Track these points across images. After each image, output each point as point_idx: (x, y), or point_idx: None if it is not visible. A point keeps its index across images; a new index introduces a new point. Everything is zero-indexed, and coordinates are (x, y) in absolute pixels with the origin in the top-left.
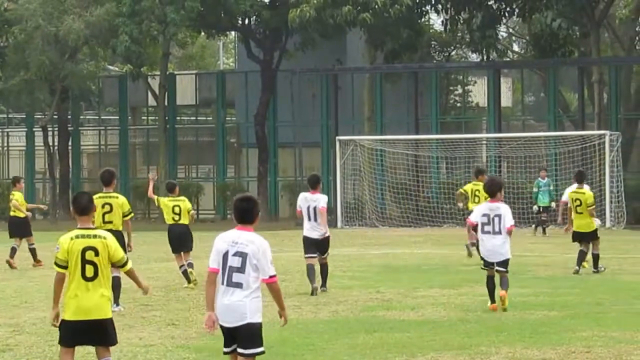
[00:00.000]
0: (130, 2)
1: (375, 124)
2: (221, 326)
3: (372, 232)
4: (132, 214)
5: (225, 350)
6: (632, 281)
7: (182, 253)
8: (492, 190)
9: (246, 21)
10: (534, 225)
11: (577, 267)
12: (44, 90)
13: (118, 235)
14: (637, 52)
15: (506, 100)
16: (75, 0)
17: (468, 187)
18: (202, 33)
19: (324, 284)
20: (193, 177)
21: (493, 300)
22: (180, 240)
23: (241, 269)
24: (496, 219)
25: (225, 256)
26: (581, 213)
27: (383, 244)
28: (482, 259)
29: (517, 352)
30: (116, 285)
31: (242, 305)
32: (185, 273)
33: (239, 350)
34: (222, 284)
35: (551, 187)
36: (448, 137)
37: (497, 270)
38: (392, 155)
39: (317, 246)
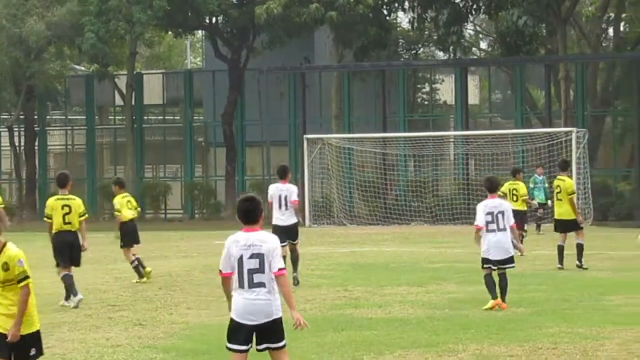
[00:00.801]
0: (97, 1)
1: (343, 122)
2: (238, 324)
3: (340, 230)
4: (87, 215)
5: (236, 347)
6: (599, 277)
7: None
8: (494, 187)
9: (213, 20)
10: (535, 224)
11: (559, 265)
12: (10, 90)
13: (76, 236)
14: (604, 49)
15: (473, 97)
16: (37, 1)
17: (505, 187)
18: (170, 32)
19: (295, 270)
20: (161, 176)
21: (495, 296)
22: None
23: (260, 269)
24: (500, 216)
25: (240, 260)
26: (561, 200)
27: (351, 242)
28: (483, 259)
29: (484, 349)
30: (69, 282)
31: (269, 303)
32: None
33: (270, 345)
34: (242, 287)
35: (546, 185)
36: (416, 135)
37: (499, 269)
38: (360, 153)
39: (288, 234)
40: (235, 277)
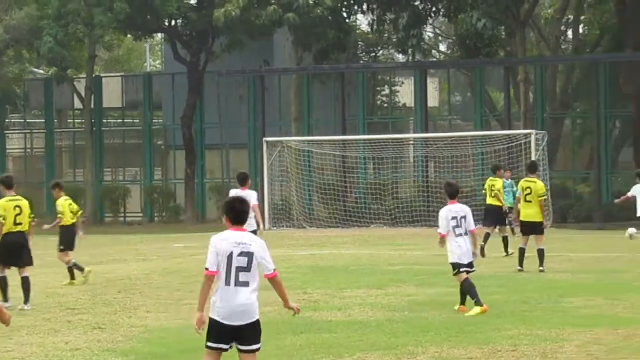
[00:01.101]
0: (56, 5)
1: (303, 125)
2: (219, 324)
3: (300, 233)
4: (34, 217)
5: (216, 345)
6: (558, 279)
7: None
8: (455, 192)
9: (173, 23)
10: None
11: (520, 267)
12: None
13: (25, 237)
14: (563, 51)
15: (433, 100)
16: None
17: (487, 184)
18: (129, 35)
19: None
20: (120, 179)
21: (480, 301)
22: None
23: (247, 268)
24: (463, 220)
25: (230, 257)
26: (530, 202)
27: (311, 245)
28: (455, 264)
29: (444, 351)
30: (26, 286)
31: (251, 304)
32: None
33: (244, 347)
34: (227, 284)
35: (515, 189)
36: (375, 137)
37: (467, 272)
38: (319, 156)
39: None
40: (221, 274)
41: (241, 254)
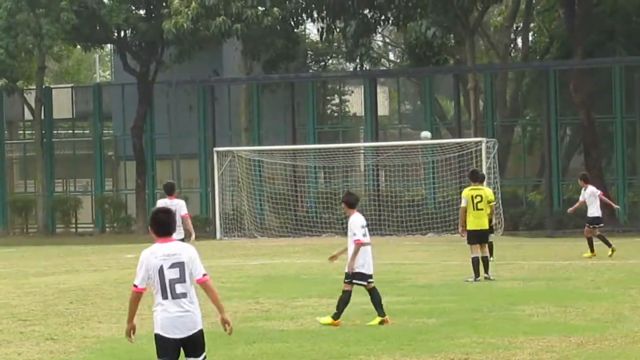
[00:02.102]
0: (5, 15)
1: (253, 135)
2: (164, 338)
3: (251, 242)
4: None
5: None
6: (509, 287)
7: None
8: (356, 202)
9: (122, 33)
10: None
11: (486, 275)
12: None
13: None
14: (512, 59)
15: (383, 109)
16: None
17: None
18: (78, 46)
19: None
20: (71, 190)
21: (339, 315)
22: None
23: (181, 279)
24: (366, 230)
25: (161, 271)
26: (482, 209)
27: (262, 255)
28: (359, 274)
29: (396, 359)
30: None
31: (193, 314)
32: None
33: (191, 359)
34: (165, 298)
35: None
36: (326, 146)
37: (369, 283)
38: (270, 165)
39: None
40: (157, 289)
41: (172, 266)
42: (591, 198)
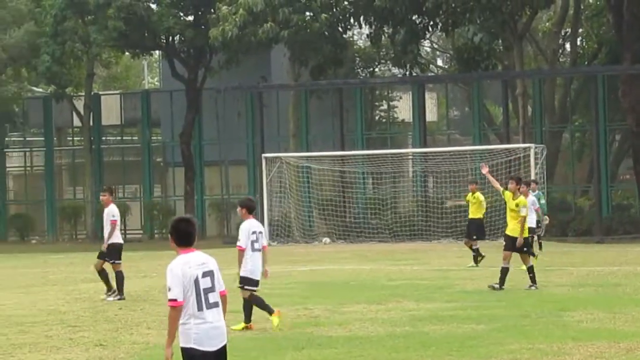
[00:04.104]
0: (52, 22)
1: (301, 141)
2: (199, 352)
3: (299, 248)
4: None
5: None
6: (558, 293)
7: None
8: (254, 208)
9: (170, 40)
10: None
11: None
12: None
13: None
14: (561, 64)
15: (431, 114)
16: None
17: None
18: (126, 53)
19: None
20: (120, 197)
21: (250, 320)
22: None
23: (212, 288)
24: (260, 236)
25: (196, 281)
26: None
27: (310, 261)
28: (247, 279)
29: None
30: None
31: (224, 325)
32: None
33: None
34: (200, 309)
35: (542, 201)
36: (374, 152)
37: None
38: (318, 171)
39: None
40: (190, 301)
41: (204, 275)
42: None
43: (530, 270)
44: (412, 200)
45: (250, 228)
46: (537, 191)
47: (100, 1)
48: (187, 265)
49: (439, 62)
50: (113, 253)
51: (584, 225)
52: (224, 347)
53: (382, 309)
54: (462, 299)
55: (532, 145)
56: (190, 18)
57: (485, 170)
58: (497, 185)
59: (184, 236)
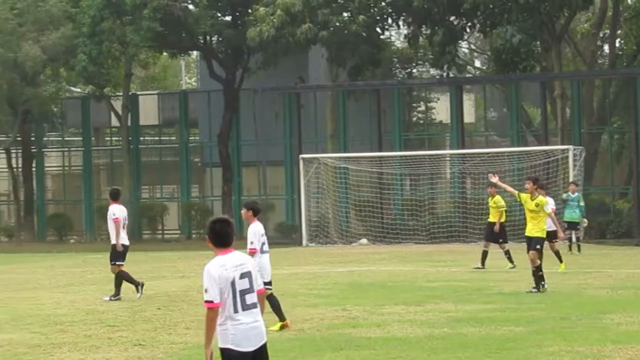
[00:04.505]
0: (90, 22)
1: (339, 142)
2: (237, 353)
3: (336, 249)
4: None
5: None
6: (597, 295)
7: None
8: (259, 211)
9: (208, 40)
10: (568, 244)
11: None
12: (6, 112)
13: None
14: (599, 66)
15: (469, 116)
16: (32, 25)
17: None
18: (164, 53)
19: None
20: (157, 197)
21: (284, 317)
22: None
23: (250, 289)
24: (266, 238)
25: (233, 283)
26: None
27: (348, 262)
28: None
29: None
30: None
31: (262, 324)
32: None
33: None
34: (236, 311)
35: (582, 203)
36: (411, 153)
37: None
38: (355, 172)
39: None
40: (227, 302)
41: (242, 276)
42: None
43: (538, 270)
44: (450, 202)
45: (260, 231)
46: (576, 193)
47: (136, 1)
48: (224, 268)
49: (477, 64)
50: (116, 254)
51: (622, 228)
52: (264, 346)
53: (421, 310)
54: (500, 300)
55: (571, 147)
56: (229, 18)
57: (495, 179)
58: (510, 189)
59: (221, 237)
